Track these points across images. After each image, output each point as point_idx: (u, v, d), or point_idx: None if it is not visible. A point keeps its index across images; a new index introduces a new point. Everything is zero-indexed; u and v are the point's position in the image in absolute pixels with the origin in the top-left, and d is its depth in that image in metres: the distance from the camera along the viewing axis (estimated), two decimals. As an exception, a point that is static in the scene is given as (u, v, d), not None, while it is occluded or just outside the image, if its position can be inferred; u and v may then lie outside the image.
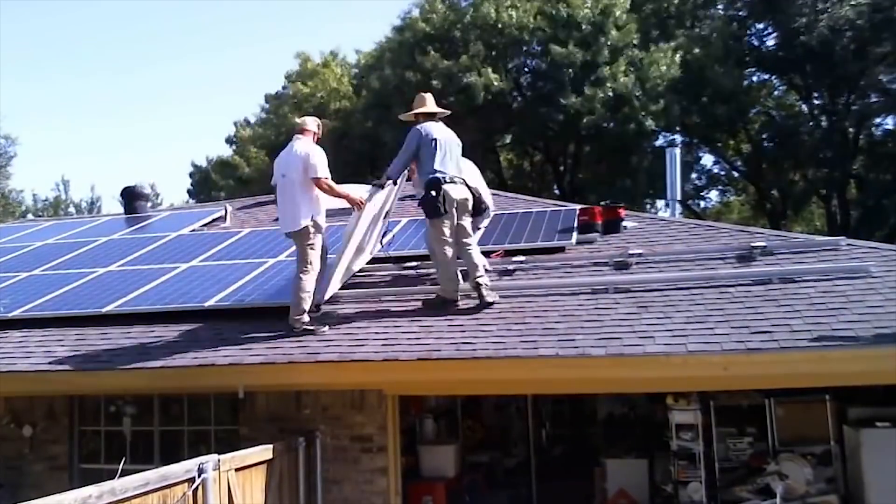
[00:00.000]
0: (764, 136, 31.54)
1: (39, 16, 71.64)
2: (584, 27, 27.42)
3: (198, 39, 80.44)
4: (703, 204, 37.37)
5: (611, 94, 26.33)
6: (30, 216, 40.56)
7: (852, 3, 25.87)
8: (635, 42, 28.02)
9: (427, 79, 27.79)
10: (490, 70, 27.59)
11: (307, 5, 76.00)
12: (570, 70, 27.22)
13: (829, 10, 26.15)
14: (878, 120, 29.19)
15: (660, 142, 32.00)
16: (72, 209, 46.59)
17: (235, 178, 38.07)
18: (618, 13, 27.64)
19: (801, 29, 26.65)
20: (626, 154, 31.05)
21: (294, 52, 46.45)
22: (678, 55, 27.62)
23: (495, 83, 27.47)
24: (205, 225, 15.35)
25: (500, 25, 27.89)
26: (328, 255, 10.05)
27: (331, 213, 14.67)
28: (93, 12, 76.15)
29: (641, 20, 29.01)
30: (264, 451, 8.13)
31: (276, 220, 14.88)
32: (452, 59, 28.00)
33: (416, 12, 30.78)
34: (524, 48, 29.05)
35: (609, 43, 27.23)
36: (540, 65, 28.57)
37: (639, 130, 27.02)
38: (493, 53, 28.92)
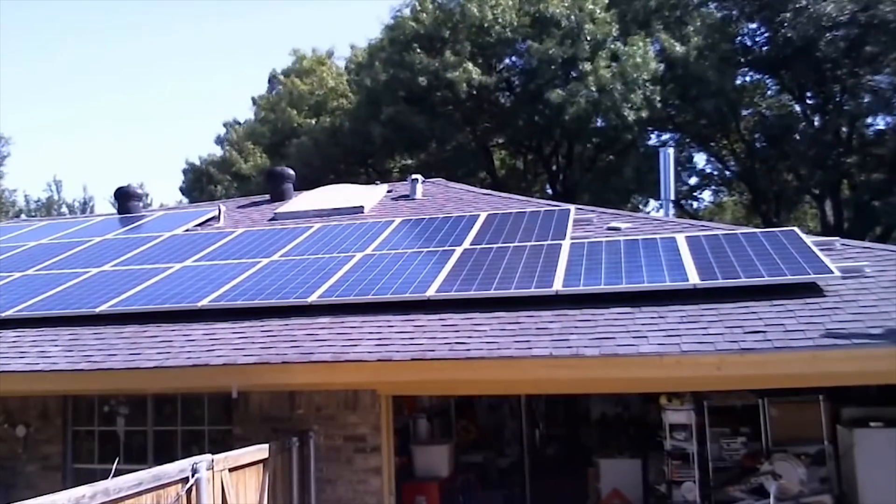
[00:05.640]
0: (757, 135, 31.56)
1: (32, 16, 71.48)
2: (563, 24, 27.63)
3: (187, 37, 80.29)
4: (696, 204, 37.39)
5: (593, 88, 26.53)
6: (23, 216, 40.44)
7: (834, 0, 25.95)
8: (615, 34, 28.22)
9: (414, 77, 27.94)
10: (470, 65, 27.76)
11: (301, 4, 75.92)
12: (553, 66, 27.42)
13: (812, 7, 26.16)
14: (869, 120, 29.23)
15: (652, 141, 32.08)
16: (64, 209, 46.45)
17: (232, 174, 38.13)
18: (591, 7, 27.85)
19: (788, 27, 26.68)
20: (619, 153, 31.16)
21: (289, 49, 46.53)
22: (651, 46, 27.87)
23: (475, 76, 27.63)
24: (198, 225, 15.35)
25: (485, 25, 28.06)
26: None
27: (326, 214, 14.80)
28: (84, 15, 75.97)
29: (620, 17, 29.16)
30: (258, 451, 8.13)
31: (272, 219, 15.01)
32: (440, 57, 28.18)
33: (406, 11, 30.89)
34: (511, 47, 29.20)
35: (588, 38, 27.47)
36: (528, 62, 28.70)
37: (622, 124, 27.17)
38: (483, 52, 29.06)
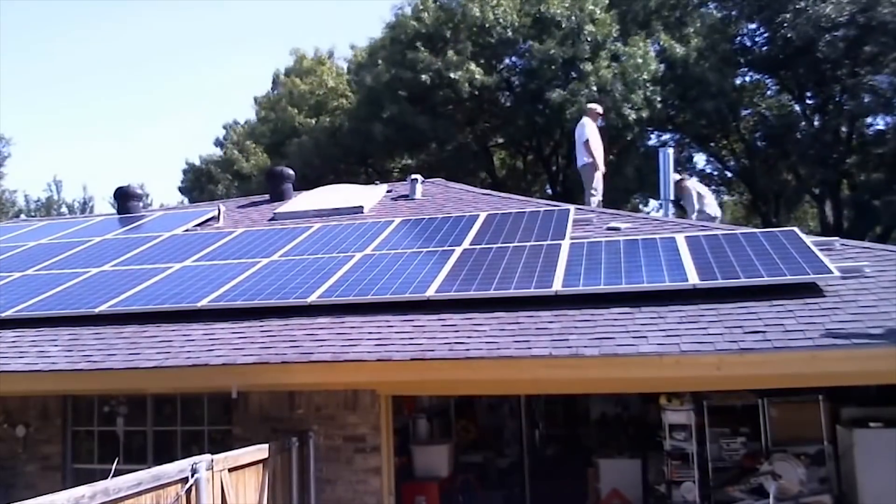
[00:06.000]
0: (757, 135, 31.58)
1: (32, 15, 71.50)
2: (563, 24, 27.65)
3: (186, 39, 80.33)
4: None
5: (594, 88, 26.57)
6: (22, 216, 40.42)
7: (833, 1, 25.95)
8: (616, 35, 28.27)
9: (416, 76, 27.95)
10: (472, 65, 27.78)
11: (299, 5, 75.92)
12: (553, 67, 27.44)
13: (811, 8, 26.19)
14: (869, 120, 29.26)
15: (652, 141, 32.08)
16: (64, 209, 46.45)
17: (233, 172, 38.20)
18: (592, 8, 27.87)
19: (788, 27, 26.70)
20: (619, 153, 31.16)
21: (289, 49, 46.50)
22: (651, 46, 27.96)
23: (477, 76, 27.65)
24: (198, 225, 15.34)
25: (486, 25, 28.07)
26: None
27: (325, 214, 14.80)
28: (83, 14, 75.99)
29: (621, 17, 29.19)
30: (257, 451, 8.13)
31: (272, 219, 15.02)
32: (442, 56, 28.20)
33: (408, 10, 30.89)
34: (512, 47, 29.21)
35: (588, 39, 27.49)
36: (529, 62, 28.70)
37: (622, 124, 27.21)
38: (484, 52, 29.08)
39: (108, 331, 10.26)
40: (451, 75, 27.55)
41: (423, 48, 28.39)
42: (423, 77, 27.80)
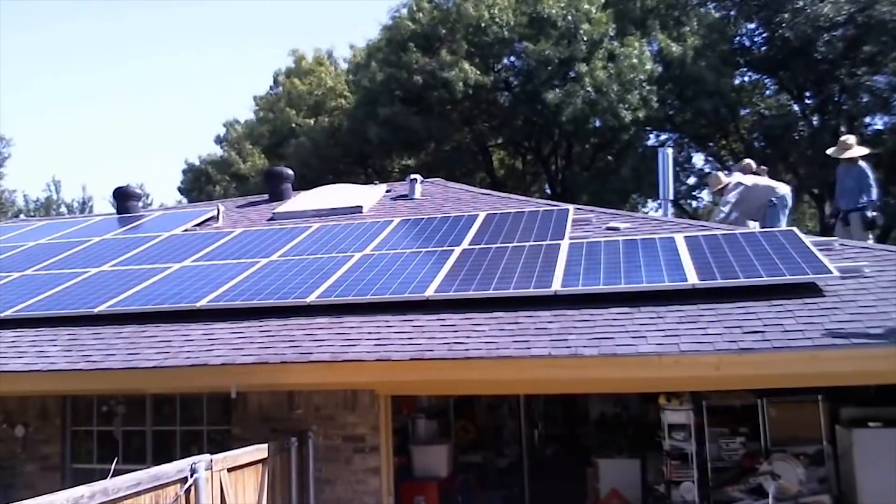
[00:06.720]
0: (756, 135, 31.61)
1: (31, 14, 71.49)
2: (559, 24, 27.68)
3: (185, 38, 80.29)
4: (694, 204, 37.43)
5: (589, 89, 26.63)
6: (22, 216, 40.40)
7: (832, 0, 26.00)
8: (612, 34, 28.32)
9: (411, 77, 27.97)
10: (467, 64, 27.82)
11: (300, 4, 75.93)
12: (549, 67, 27.49)
13: (809, 8, 26.21)
14: (867, 120, 29.31)
15: (651, 141, 32.11)
16: (63, 209, 46.45)
17: (231, 174, 38.26)
18: (587, 7, 27.93)
19: (786, 27, 26.73)
20: (617, 153, 31.20)
21: (288, 50, 46.55)
22: (647, 46, 28.11)
23: (471, 75, 27.66)
24: (197, 225, 15.34)
25: (482, 24, 28.10)
26: None
27: (324, 214, 14.80)
28: (83, 14, 75.95)
29: (617, 17, 29.24)
30: (257, 451, 8.13)
31: (271, 219, 15.01)
32: (437, 56, 28.25)
33: (404, 11, 30.93)
34: (508, 47, 29.25)
35: (584, 38, 27.55)
36: (526, 63, 28.74)
37: (619, 124, 27.25)
38: (480, 52, 29.11)
39: (107, 331, 10.25)
40: (445, 75, 27.58)
41: (416, 49, 28.43)
42: (416, 78, 27.85)
